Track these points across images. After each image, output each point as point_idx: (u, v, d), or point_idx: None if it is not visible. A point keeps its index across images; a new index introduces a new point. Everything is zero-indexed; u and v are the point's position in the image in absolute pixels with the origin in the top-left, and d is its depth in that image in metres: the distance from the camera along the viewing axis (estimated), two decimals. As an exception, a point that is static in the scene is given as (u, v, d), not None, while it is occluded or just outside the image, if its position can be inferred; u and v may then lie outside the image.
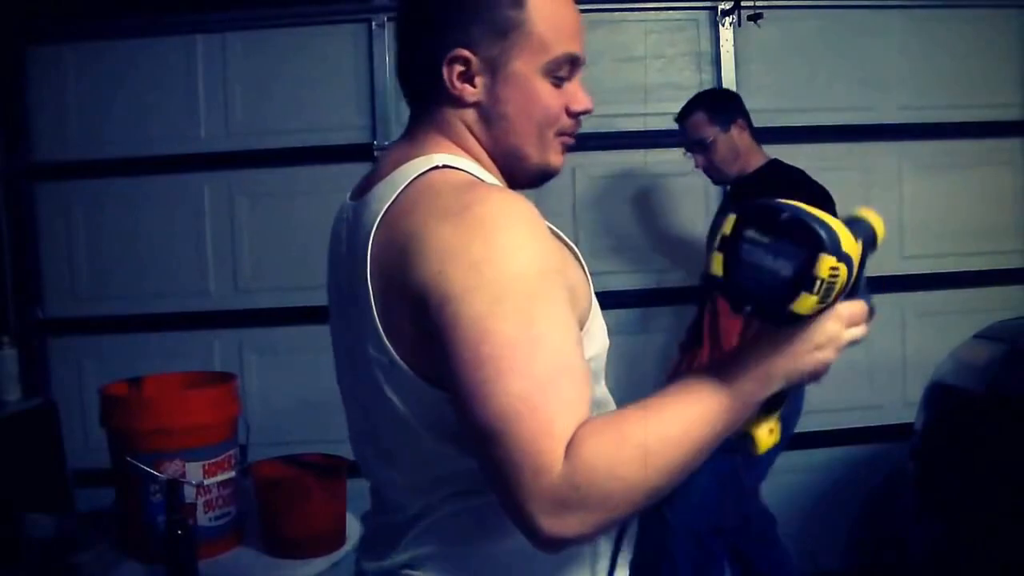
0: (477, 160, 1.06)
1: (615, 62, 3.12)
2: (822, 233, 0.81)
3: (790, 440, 3.04)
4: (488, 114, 1.05)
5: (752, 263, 0.83)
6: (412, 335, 0.94)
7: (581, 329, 0.98)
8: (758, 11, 3.01)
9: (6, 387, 2.85)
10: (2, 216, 3.14)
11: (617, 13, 3.14)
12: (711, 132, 2.60)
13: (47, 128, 3.16)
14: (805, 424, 3.23)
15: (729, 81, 3.15)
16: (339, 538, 1.94)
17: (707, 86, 3.16)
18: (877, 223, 0.92)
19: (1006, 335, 2.51)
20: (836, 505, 3.25)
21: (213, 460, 1.88)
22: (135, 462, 1.78)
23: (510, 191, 1.00)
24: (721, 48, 3.15)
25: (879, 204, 3.31)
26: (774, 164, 2.65)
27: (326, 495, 1.92)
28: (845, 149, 3.23)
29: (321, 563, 1.88)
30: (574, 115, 1.08)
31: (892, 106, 3.25)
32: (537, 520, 0.84)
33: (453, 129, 1.06)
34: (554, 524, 0.84)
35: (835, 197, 3.22)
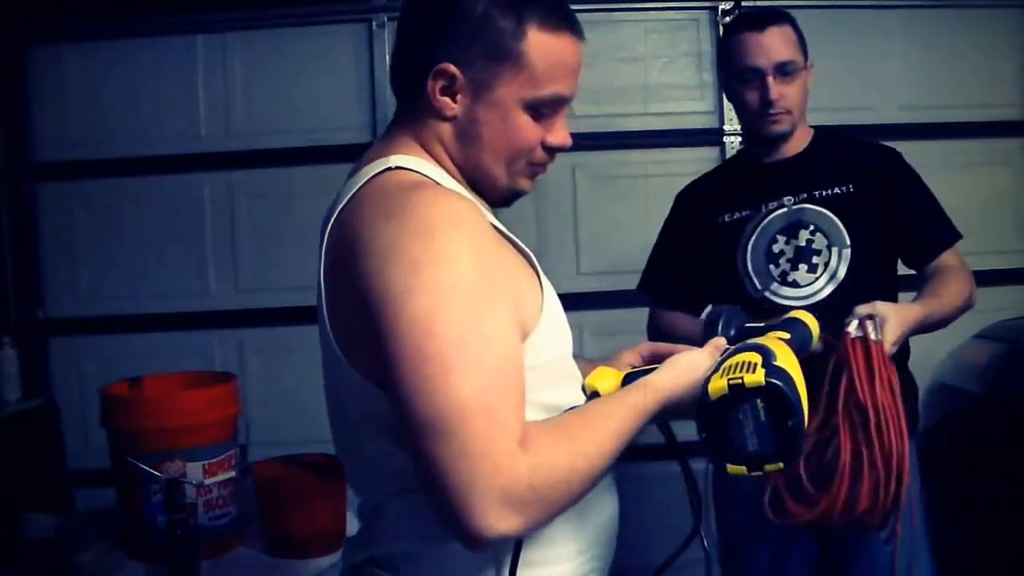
0: (443, 168, 1.07)
1: (615, 62, 3.12)
2: (798, 454, 0.95)
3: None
4: (463, 131, 1.05)
5: (740, 421, 0.93)
6: (355, 332, 0.95)
7: (529, 334, 0.99)
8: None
9: (6, 387, 2.85)
10: (2, 216, 3.14)
11: (617, 13, 3.14)
12: (800, 58, 1.89)
13: (48, 128, 3.16)
14: (805, 424, 3.23)
15: (729, 81, 3.14)
16: (339, 538, 1.94)
17: (707, 86, 3.16)
18: (813, 326, 1.07)
19: (1006, 335, 2.51)
20: (836, 505, 3.25)
21: (213, 460, 1.88)
22: (135, 462, 1.78)
23: (456, 194, 1.00)
24: (721, 48, 3.15)
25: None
26: (828, 132, 2.04)
27: (326, 495, 1.92)
28: (845, 149, 3.23)
29: (321, 563, 1.88)
30: (548, 148, 1.08)
31: (892, 106, 3.25)
32: (483, 516, 0.85)
33: (426, 137, 1.07)
34: (499, 521, 0.85)
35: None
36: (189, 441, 1.84)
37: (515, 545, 0.99)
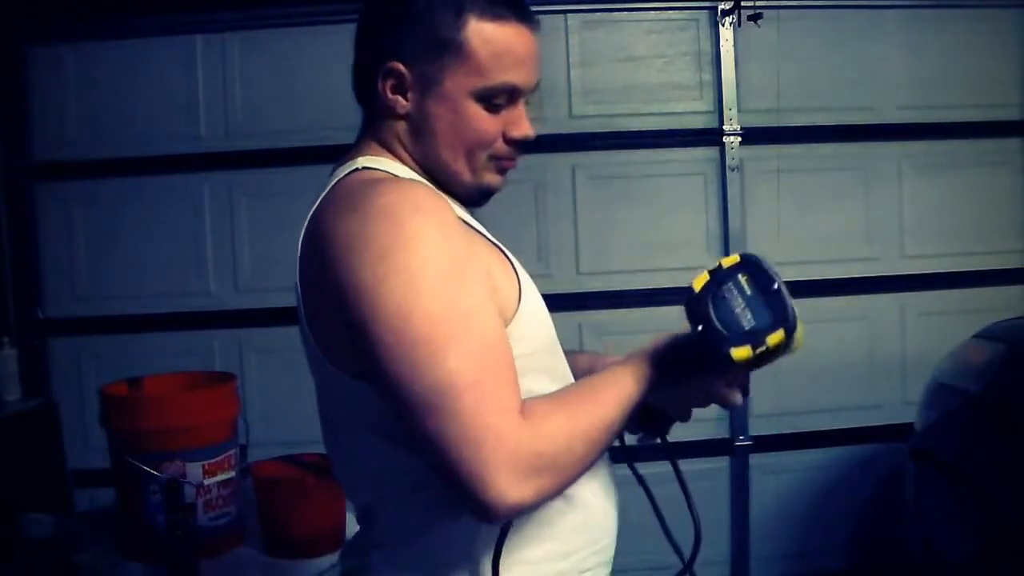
0: (408, 168, 1.07)
1: (615, 62, 3.11)
2: (792, 316, 0.94)
3: (791, 439, 3.03)
4: (418, 128, 1.06)
5: (727, 299, 0.96)
6: (333, 330, 0.96)
7: (508, 323, 0.99)
8: (758, 11, 3.01)
9: (6, 387, 2.85)
10: (2, 216, 3.14)
11: (617, 13, 3.14)
12: None
13: (47, 128, 3.16)
14: (805, 424, 3.24)
15: (729, 81, 3.15)
16: (339, 538, 1.94)
17: (707, 86, 3.17)
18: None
19: (1006, 335, 2.50)
20: (836, 505, 3.25)
21: (213, 460, 1.88)
22: (135, 462, 1.78)
23: (418, 183, 1.01)
24: (721, 48, 3.14)
25: (879, 204, 3.32)
26: None
27: (326, 495, 1.92)
28: (845, 149, 3.23)
29: (321, 563, 1.88)
30: (511, 141, 1.08)
31: (892, 106, 3.25)
32: (493, 486, 0.85)
33: (387, 138, 1.08)
34: (510, 489, 0.86)
35: (835, 197, 3.24)
36: (189, 441, 1.84)
37: (498, 538, 0.98)
